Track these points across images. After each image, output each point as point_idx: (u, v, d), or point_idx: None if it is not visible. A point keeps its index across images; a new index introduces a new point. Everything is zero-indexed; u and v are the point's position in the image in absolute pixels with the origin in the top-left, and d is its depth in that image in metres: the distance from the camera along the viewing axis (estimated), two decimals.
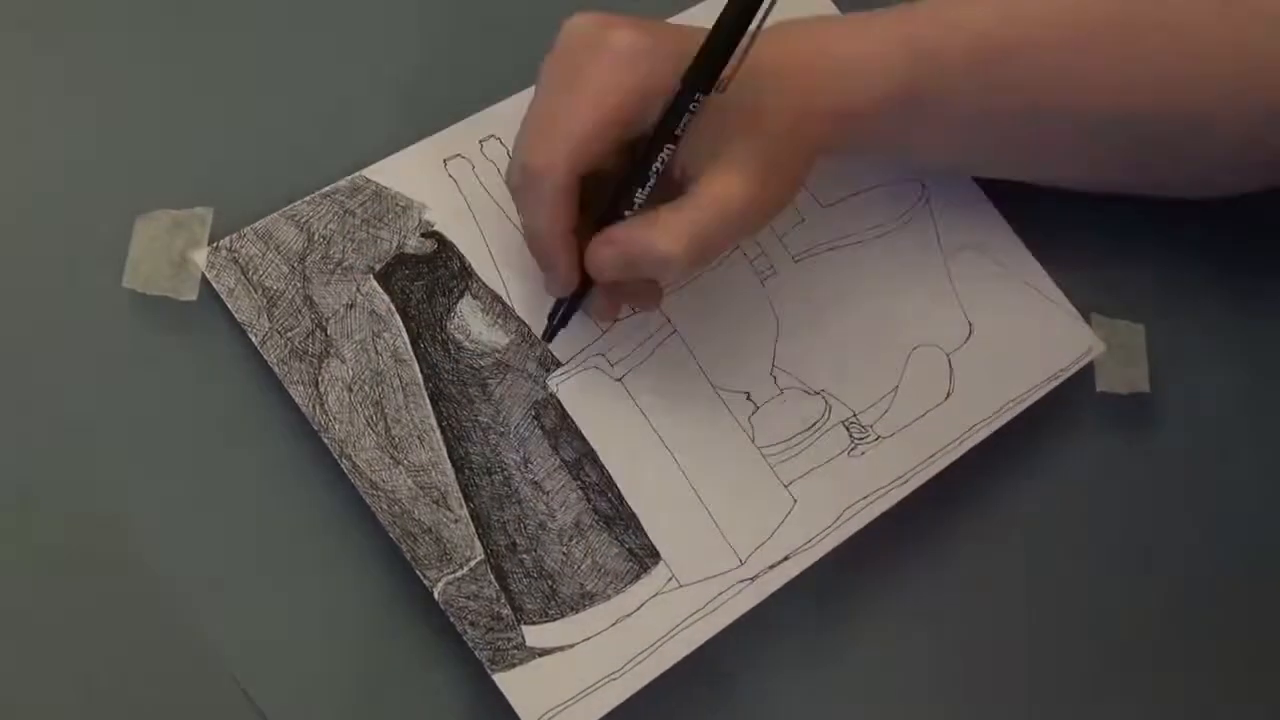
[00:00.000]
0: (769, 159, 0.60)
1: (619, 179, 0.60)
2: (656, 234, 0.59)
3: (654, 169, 0.59)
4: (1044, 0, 0.67)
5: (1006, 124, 0.67)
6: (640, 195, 0.60)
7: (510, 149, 0.67)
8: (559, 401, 0.65)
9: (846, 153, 0.65)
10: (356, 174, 0.66)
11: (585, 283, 0.62)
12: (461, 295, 0.65)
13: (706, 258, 0.60)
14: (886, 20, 0.65)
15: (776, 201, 0.62)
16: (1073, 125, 0.67)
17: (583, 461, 0.64)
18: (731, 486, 0.66)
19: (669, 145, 0.59)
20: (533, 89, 0.67)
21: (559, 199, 0.59)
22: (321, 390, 0.62)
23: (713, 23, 0.58)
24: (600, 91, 0.58)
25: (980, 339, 0.71)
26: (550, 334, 0.64)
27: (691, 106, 0.58)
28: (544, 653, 0.61)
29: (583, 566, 0.63)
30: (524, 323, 0.65)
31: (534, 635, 0.61)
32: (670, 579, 0.63)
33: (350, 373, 0.62)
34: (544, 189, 0.59)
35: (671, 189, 0.60)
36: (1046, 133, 0.67)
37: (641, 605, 0.63)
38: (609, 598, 0.62)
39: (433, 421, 0.63)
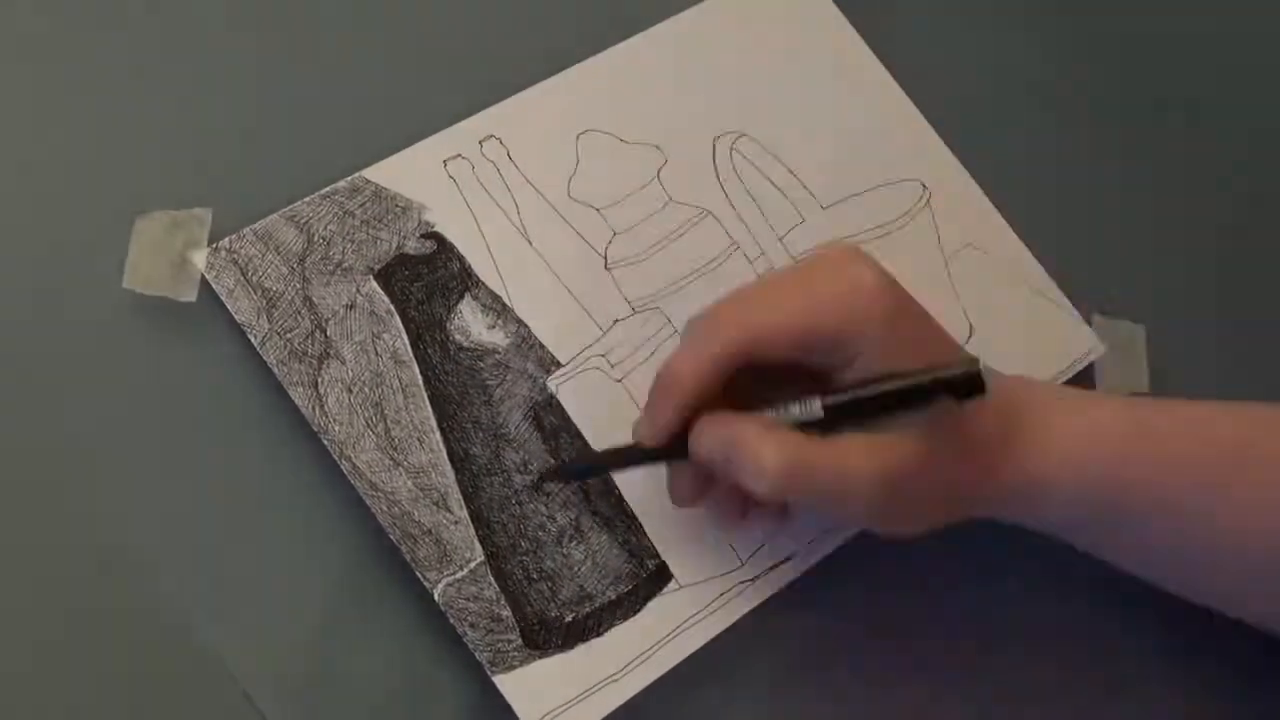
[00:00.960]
0: (928, 504, 0.60)
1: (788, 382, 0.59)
2: (769, 443, 0.57)
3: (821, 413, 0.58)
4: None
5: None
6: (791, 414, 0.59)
7: (510, 150, 0.67)
8: (559, 403, 0.65)
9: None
10: (356, 175, 0.66)
11: (674, 451, 0.60)
12: (461, 296, 0.65)
13: (793, 495, 0.59)
14: (1088, 452, 0.63)
15: (893, 517, 0.60)
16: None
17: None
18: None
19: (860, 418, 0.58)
20: (531, 88, 0.67)
21: (715, 356, 0.58)
22: (321, 391, 0.62)
23: None
24: (818, 315, 0.58)
25: (981, 339, 0.71)
26: (584, 471, 0.64)
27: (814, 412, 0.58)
28: (544, 654, 0.61)
29: (582, 568, 0.63)
30: (524, 324, 0.65)
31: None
32: (670, 580, 0.63)
33: (350, 374, 0.62)
34: (709, 338, 0.58)
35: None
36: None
37: (641, 607, 0.62)
38: (609, 599, 0.62)
39: (433, 423, 0.63)
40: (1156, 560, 0.65)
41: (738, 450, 0.57)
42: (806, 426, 0.57)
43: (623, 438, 0.62)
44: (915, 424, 0.57)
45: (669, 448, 0.59)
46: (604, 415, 0.65)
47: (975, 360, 0.56)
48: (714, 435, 0.58)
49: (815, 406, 0.57)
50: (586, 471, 0.63)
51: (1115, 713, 0.70)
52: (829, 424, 0.57)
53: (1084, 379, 0.73)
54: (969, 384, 0.56)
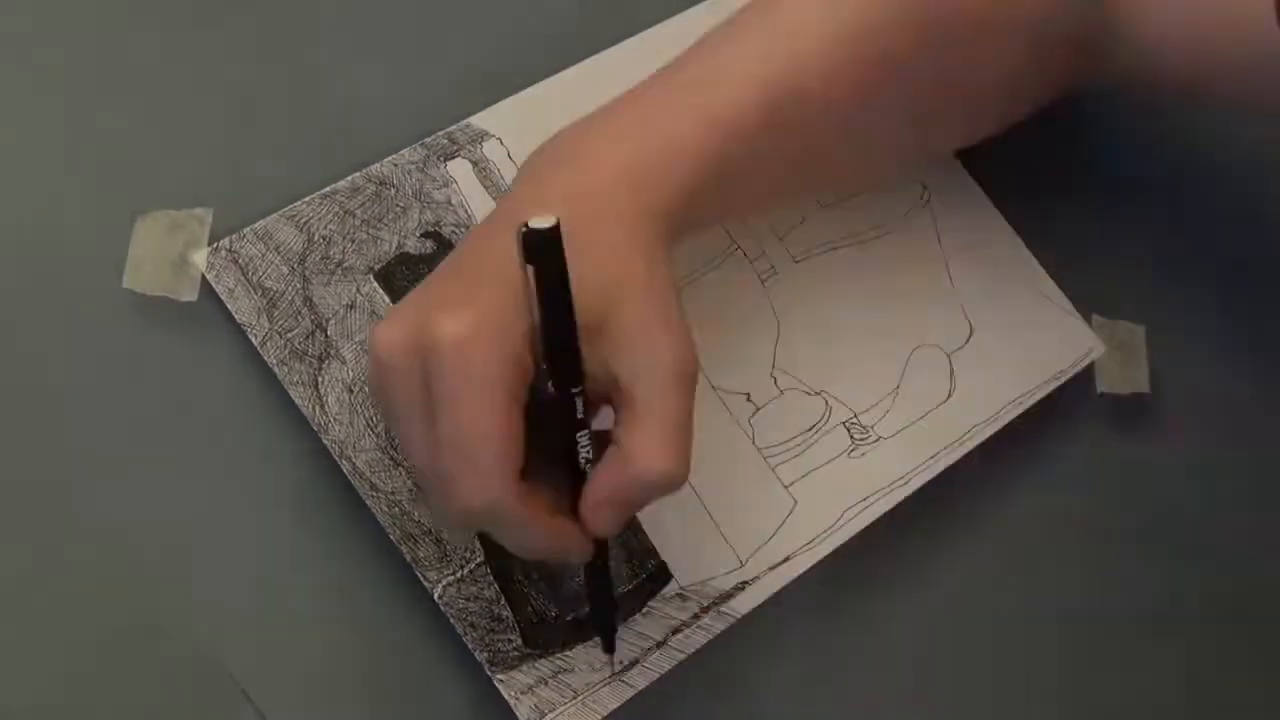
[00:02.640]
0: (652, 310, 0.55)
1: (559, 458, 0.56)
2: (640, 466, 0.53)
3: (583, 458, 0.55)
4: (819, 42, 0.64)
5: (805, 162, 0.65)
6: (586, 466, 0.55)
7: (509, 149, 0.67)
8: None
9: (684, 238, 0.61)
10: (356, 174, 0.66)
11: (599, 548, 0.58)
12: None
13: (689, 442, 0.55)
14: (668, 99, 0.62)
15: (685, 328, 0.56)
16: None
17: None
18: (732, 487, 0.66)
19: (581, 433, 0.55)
20: (531, 87, 0.67)
21: (523, 513, 0.53)
22: (321, 391, 0.62)
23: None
24: (478, 406, 0.52)
25: (981, 340, 0.72)
26: (611, 644, 0.62)
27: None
28: (544, 654, 0.61)
29: (581, 568, 0.62)
30: None
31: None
32: (670, 581, 0.63)
33: (350, 374, 0.62)
34: (506, 516, 0.53)
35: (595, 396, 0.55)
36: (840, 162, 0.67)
37: (641, 607, 0.63)
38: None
39: None
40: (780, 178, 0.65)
41: (636, 495, 0.55)
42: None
43: None
44: (624, 321, 0.55)
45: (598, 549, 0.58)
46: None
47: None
48: (607, 514, 0.55)
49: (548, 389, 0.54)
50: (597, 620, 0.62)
51: (1115, 710, 0.69)
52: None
53: (1085, 379, 0.73)
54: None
